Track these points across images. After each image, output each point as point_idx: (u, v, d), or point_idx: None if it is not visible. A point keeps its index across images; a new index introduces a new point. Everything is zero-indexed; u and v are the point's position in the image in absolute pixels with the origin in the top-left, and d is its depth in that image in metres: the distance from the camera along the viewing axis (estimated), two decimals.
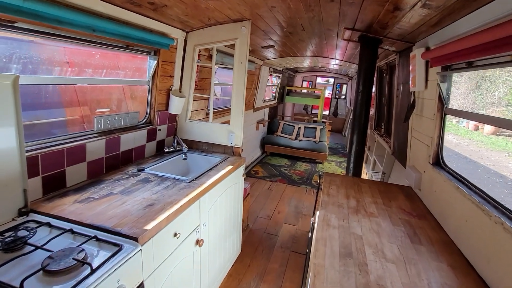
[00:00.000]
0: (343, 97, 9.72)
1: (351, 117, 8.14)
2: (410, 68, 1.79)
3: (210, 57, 2.75)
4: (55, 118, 1.86)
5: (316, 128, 6.36)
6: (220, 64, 3.07)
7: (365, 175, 4.06)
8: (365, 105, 2.16)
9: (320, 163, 5.94)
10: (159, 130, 2.22)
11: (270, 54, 4.17)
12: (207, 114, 3.01)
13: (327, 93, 10.68)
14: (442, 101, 1.46)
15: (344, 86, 9.60)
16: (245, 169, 5.02)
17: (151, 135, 2.14)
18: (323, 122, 6.83)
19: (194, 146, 2.45)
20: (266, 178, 4.82)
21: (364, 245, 1.17)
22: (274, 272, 2.50)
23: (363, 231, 1.29)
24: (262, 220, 3.39)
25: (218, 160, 2.14)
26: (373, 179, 2.94)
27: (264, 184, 4.54)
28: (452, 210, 1.26)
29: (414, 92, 1.71)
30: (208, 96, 2.46)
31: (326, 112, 10.06)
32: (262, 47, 3.41)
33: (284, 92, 7.09)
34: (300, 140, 6.18)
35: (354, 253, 1.11)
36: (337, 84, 9.70)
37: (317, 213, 1.96)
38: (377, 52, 2.12)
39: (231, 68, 3.65)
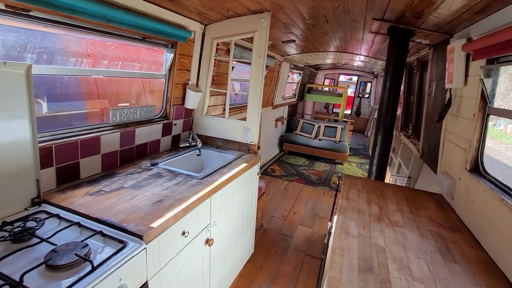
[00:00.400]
0: (366, 96, 9.31)
1: (375, 116, 7.77)
2: (447, 62, 1.60)
3: (228, 51, 2.69)
4: (76, 111, 1.89)
5: (336, 127, 6.12)
6: (239, 59, 3.00)
7: (388, 178, 3.82)
8: (392, 104, 1.99)
9: (340, 163, 5.72)
10: (175, 124, 2.19)
11: (291, 49, 4.04)
12: (224, 109, 2.95)
13: (350, 91, 10.29)
14: (485, 99, 1.28)
15: (368, 84, 9.17)
16: (262, 167, 4.94)
17: (167, 130, 2.12)
18: (344, 121, 6.57)
19: (209, 142, 2.40)
20: (283, 177, 4.71)
21: (387, 259, 1.04)
22: (287, 275, 2.41)
23: (386, 242, 1.16)
24: (277, 220, 3.30)
25: (233, 157, 2.07)
26: (398, 183, 2.74)
27: (281, 183, 4.43)
28: (494, 224, 1.09)
29: (450, 89, 1.53)
30: (225, 92, 2.40)
31: (348, 112, 9.70)
32: (282, 42, 3.29)
33: (304, 89, 6.91)
34: (319, 140, 5.99)
35: (375, 268, 0.99)
36: (360, 82, 9.30)
37: (335, 218, 1.83)
38: (408, 46, 1.94)
39: (249, 63, 3.57)
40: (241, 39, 2.79)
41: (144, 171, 1.68)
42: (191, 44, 2.12)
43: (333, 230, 1.68)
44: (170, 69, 2.02)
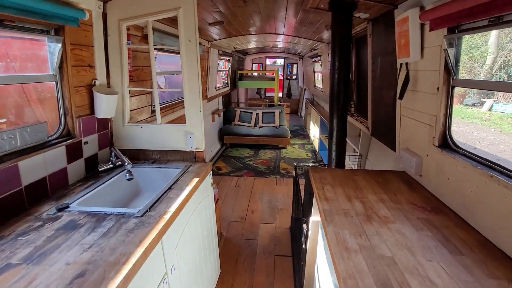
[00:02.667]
0: (294, 77, 9.64)
1: (306, 97, 8.11)
2: (396, 36, 1.52)
3: (144, 38, 2.13)
4: None
5: (274, 112, 6.08)
6: (161, 47, 2.45)
7: None
8: (343, 85, 1.86)
9: (284, 148, 5.74)
10: (86, 143, 1.59)
11: (218, 33, 3.62)
12: (153, 112, 2.40)
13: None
14: (449, 71, 1.21)
15: (295, 66, 9.49)
16: None
17: (74, 153, 1.51)
18: (279, 105, 6.60)
19: (142, 156, 1.88)
20: (231, 173, 4.40)
21: (404, 273, 0.87)
22: (262, 285, 2.17)
23: (390, 248, 0.99)
24: (236, 225, 3.01)
25: (178, 172, 1.64)
26: (350, 162, 2.77)
27: (231, 181, 4.12)
28: (483, 203, 1.04)
29: (407, 63, 1.46)
30: (151, 90, 1.88)
31: (280, 94, 9.92)
32: (209, 24, 2.85)
33: (236, 77, 6.59)
34: (260, 127, 5.85)
35: None
36: (287, 64, 9.54)
37: (311, 219, 1.64)
38: (352, 20, 1.81)
39: (175, 52, 3.03)
40: (160, 21, 2.25)
41: (47, 224, 1.11)
42: (88, 29, 1.52)
43: (310, 231, 1.49)
44: (61, 67, 1.40)
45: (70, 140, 1.47)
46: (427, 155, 1.42)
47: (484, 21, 0.98)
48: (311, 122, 6.07)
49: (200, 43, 3.75)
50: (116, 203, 1.56)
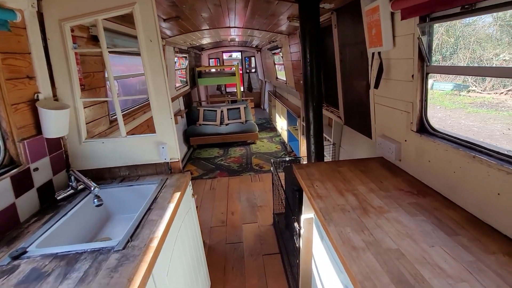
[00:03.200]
0: (253, 70, 9.59)
1: (269, 89, 8.13)
2: (366, 26, 1.53)
3: (91, 39, 1.85)
4: None
5: (239, 107, 5.98)
6: (114, 50, 2.18)
7: (304, 145, 4.01)
8: (316, 78, 1.85)
9: (253, 143, 5.69)
10: (36, 169, 1.33)
11: (172, 29, 3.37)
12: (112, 122, 2.14)
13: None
14: (423, 59, 1.25)
15: (253, 59, 9.42)
16: None
17: (22, 183, 1.25)
18: (243, 100, 6.50)
19: (107, 175, 1.65)
20: (203, 176, 4.22)
21: (414, 264, 0.88)
22: None
23: (394, 240, 1.00)
24: (218, 230, 2.89)
25: (155, 188, 1.47)
26: (324, 152, 2.82)
27: (204, 184, 3.95)
28: (467, 182, 1.10)
29: (379, 52, 1.48)
30: (109, 99, 1.64)
31: (241, 89, 9.80)
32: (164, 20, 2.62)
33: (194, 74, 6.30)
34: (226, 125, 5.71)
35: (416, 285, 0.80)
36: (245, 57, 9.42)
37: (303, 217, 1.61)
38: (319, 11, 1.79)
39: (130, 53, 2.74)
40: (109, 19, 1.98)
41: (1, 280, 0.89)
42: (21, 33, 1.25)
43: (302, 230, 1.45)
44: None
45: (15, 170, 1.21)
46: (405, 141, 1.48)
47: (456, 8, 1.01)
48: (277, 115, 6.12)
49: None
50: (85, 236, 1.35)
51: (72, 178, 1.41)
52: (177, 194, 1.39)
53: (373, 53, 1.56)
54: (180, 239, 1.37)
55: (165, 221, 1.16)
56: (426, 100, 1.31)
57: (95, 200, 1.27)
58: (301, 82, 3.57)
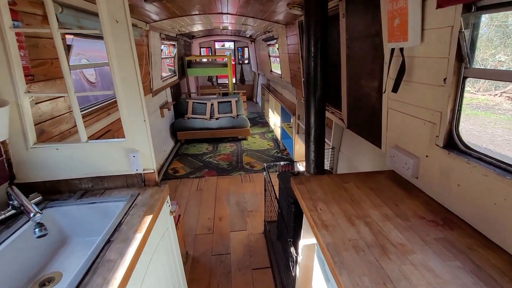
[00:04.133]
0: (246, 61, 9.20)
1: (262, 82, 7.80)
2: (386, 14, 1.26)
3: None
4: None
5: (231, 101, 5.65)
6: (72, 31, 1.83)
7: (298, 145, 3.77)
8: (321, 76, 1.58)
9: (244, 139, 5.41)
10: None
11: (158, 12, 2.99)
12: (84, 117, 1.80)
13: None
14: (461, 59, 1.00)
15: (246, 49, 9.01)
16: (160, 169, 3.96)
17: None
18: (235, 93, 6.16)
19: (65, 187, 1.34)
20: (190, 175, 3.93)
21: None
22: None
23: None
24: (203, 238, 2.63)
25: (122, 208, 1.18)
26: None
27: (191, 184, 3.66)
28: None
29: (401, 49, 1.22)
30: (64, 95, 1.31)
31: (233, 80, 9.41)
32: (145, 0, 2.26)
33: (184, 64, 5.89)
34: (216, 119, 5.38)
35: None
36: (238, 48, 9.01)
37: (301, 243, 1.37)
38: None
39: (97, 37, 2.40)
40: None
41: None
42: None
43: (300, 257, 1.21)
44: None
45: None
46: (426, 156, 1.24)
47: None
48: (270, 110, 5.83)
49: (136, 25, 3.07)
50: (28, 271, 1.05)
51: (11, 196, 1.10)
52: (148, 219, 1.11)
53: (392, 49, 1.29)
54: (151, 272, 1.10)
55: (126, 263, 0.88)
56: (460, 111, 1.07)
57: (36, 229, 0.97)
58: (297, 77, 3.29)
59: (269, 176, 2.36)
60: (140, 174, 1.37)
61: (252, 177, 3.83)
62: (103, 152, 1.31)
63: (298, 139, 3.71)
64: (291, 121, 3.79)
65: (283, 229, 2.00)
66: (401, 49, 1.21)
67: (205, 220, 2.91)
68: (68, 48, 1.91)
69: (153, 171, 1.38)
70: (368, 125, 1.73)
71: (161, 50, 4.06)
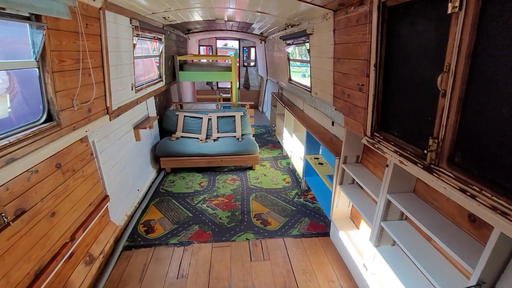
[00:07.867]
0: (252, 64, 7.86)
1: (272, 90, 6.43)
2: None
3: None
4: None
5: (234, 116, 4.29)
6: None
7: (341, 202, 2.43)
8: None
9: (251, 168, 4.05)
10: None
11: None
12: None
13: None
14: None
15: (252, 50, 7.67)
16: (125, 227, 2.60)
17: None
18: (240, 105, 4.79)
19: None
20: (171, 237, 2.55)
21: None
22: None
23: None
24: None
25: None
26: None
27: (169, 261, 2.28)
28: None
29: None
30: None
31: (237, 89, 8.07)
32: None
33: (175, 64, 4.52)
34: (214, 140, 4.03)
35: None
36: (243, 48, 7.67)
37: None
38: None
39: None
40: None
41: None
42: None
43: None
44: None
45: None
46: None
47: None
48: (285, 130, 4.47)
49: None
50: None
51: None
52: None
53: None
54: None
55: None
56: None
57: None
58: (354, 98, 1.95)
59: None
60: None
61: (266, 246, 2.47)
62: None
63: (341, 192, 2.36)
64: (334, 166, 2.40)
65: None
66: None
67: None
68: None
69: None
70: None
71: (134, 44, 2.69)
